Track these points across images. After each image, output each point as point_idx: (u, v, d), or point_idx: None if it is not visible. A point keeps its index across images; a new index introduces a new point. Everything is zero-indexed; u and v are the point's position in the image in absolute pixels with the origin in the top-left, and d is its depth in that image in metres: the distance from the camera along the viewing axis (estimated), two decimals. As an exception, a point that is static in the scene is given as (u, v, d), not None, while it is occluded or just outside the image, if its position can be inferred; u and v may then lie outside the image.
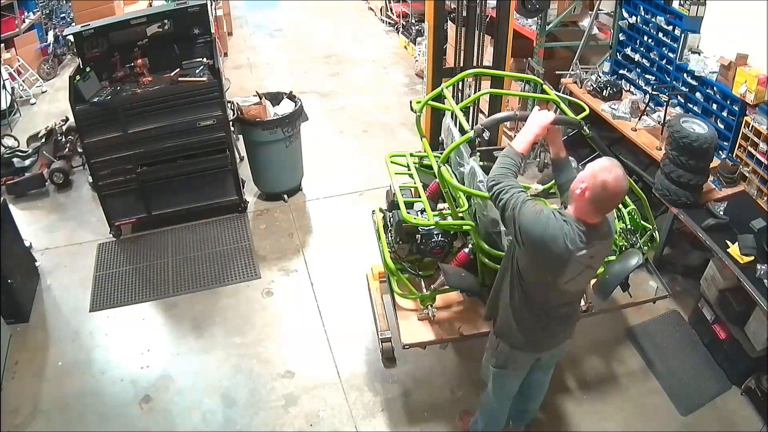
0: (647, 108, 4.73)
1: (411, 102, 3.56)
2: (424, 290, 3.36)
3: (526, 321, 2.57)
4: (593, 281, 3.16)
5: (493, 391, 2.92)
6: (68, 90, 4.41)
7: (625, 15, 5.27)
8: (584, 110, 3.31)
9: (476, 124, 3.82)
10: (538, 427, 3.41)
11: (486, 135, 3.38)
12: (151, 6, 6.43)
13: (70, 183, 5.74)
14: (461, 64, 4.62)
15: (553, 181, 3.58)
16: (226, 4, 9.21)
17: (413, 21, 8.71)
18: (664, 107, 4.53)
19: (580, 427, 3.46)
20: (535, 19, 5.39)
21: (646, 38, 5.08)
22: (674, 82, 4.76)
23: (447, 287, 3.25)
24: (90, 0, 6.95)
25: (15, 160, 5.74)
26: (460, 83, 4.65)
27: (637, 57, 5.22)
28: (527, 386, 2.98)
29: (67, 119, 6.04)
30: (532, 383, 2.98)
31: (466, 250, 3.20)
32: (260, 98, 5.16)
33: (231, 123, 4.90)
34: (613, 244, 2.47)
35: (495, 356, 2.76)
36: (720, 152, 4.36)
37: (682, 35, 4.57)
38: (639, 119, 4.68)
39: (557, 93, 3.99)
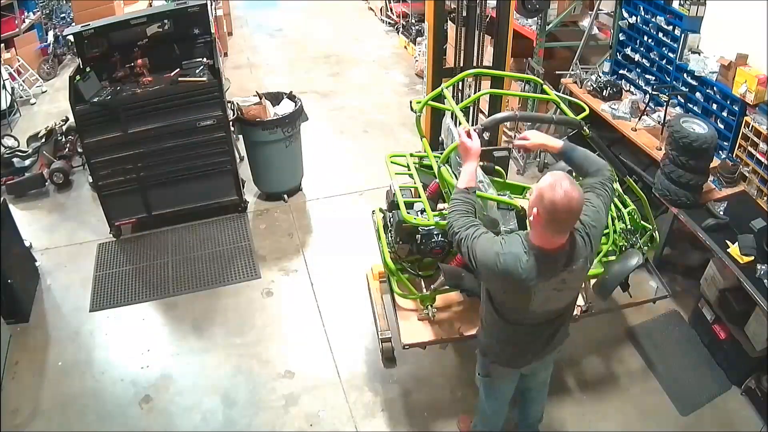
0: (647, 108, 4.73)
1: (411, 102, 3.56)
2: (424, 290, 3.37)
3: (502, 339, 2.53)
4: (593, 281, 3.17)
5: (485, 398, 2.90)
6: (68, 90, 4.41)
7: (625, 15, 5.27)
8: (584, 110, 3.31)
9: (476, 124, 3.82)
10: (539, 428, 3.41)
11: (486, 135, 3.38)
12: (151, 6, 6.43)
13: (70, 183, 5.74)
14: (461, 64, 4.62)
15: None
16: (226, 4, 9.20)
17: (413, 21, 8.71)
18: (664, 107, 4.53)
19: (581, 427, 3.46)
20: (535, 19, 5.39)
21: (646, 38, 5.08)
22: (674, 82, 4.76)
23: (447, 287, 3.25)
24: (90, 0, 6.95)
25: (15, 160, 5.74)
26: (460, 83, 4.65)
27: (637, 57, 5.22)
28: (523, 394, 2.96)
29: (67, 119, 6.04)
30: (526, 391, 2.96)
31: (466, 250, 3.19)
32: (260, 98, 5.16)
33: (231, 123, 4.90)
34: (591, 260, 2.31)
35: (480, 366, 2.77)
36: (720, 152, 4.36)
37: (682, 35, 4.57)
38: (639, 119, 4.68)
39: (557, 93, 4.00)
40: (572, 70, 5.46)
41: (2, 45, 7.23)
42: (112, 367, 3.92)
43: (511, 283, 2.18)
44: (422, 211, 3.24)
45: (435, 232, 3.14)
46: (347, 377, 3.79)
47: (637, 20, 5.13)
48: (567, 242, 2.15)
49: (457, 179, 3.11)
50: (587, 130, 3.12)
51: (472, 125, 2.97)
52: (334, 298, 4.37)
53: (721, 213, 3.84)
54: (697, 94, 4.60)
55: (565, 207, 2.00)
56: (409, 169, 3.66)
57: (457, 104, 3.37)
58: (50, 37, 8.22)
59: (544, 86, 3.68)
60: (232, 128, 4.97)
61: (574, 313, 3.03)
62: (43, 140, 5.89)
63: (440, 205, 3.57)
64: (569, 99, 4.26)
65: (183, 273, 4.66)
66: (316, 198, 5.54)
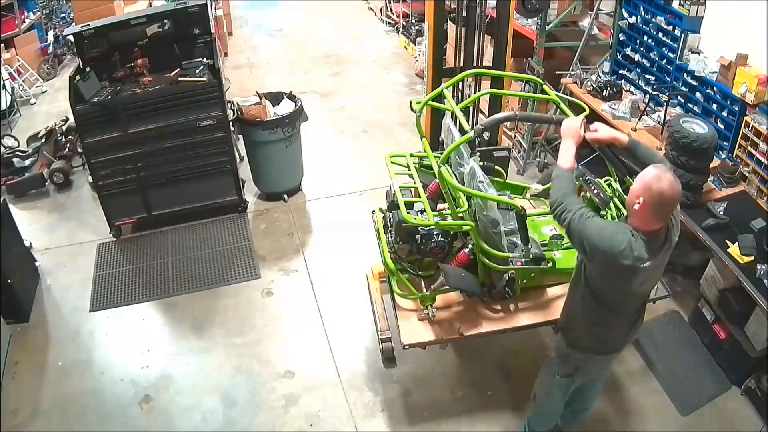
0: (647, 108, 4.73)
1: (411, 102, 3.56)
2: (424, 290, 3.36)
3: (603, 326, 2.60)
4: None
5: (553, 399, 2.97)
6: (68, 90, 4.41)
7: (625, 15, 5.27)
8: (584, 110, 3.31)
9: (476, 124, 3.82)
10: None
11: (486, 135, 3.38)
12: (151, 6, 6.43)
13: (70, 183, 5.74)
14: (461, 64, 4.62)
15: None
16: (226, 4, 9.21)
17: (413, 21, 8.71)
18: (664, 107, 4.53)
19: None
20: (535, 19, 5.39)
21: (646, 38, 5.08)
22: (674, 82, 4.76)
23: (447, 287, 3.25)
24: (90, 0, 6.95)
25: (15, 160, 5.74)
26: (460, 83, 4.65)
27: (637, 57, 5.22)
28: (585, 388, 3.03)
29: (67, 119, 6.05)
30: (590, 384, 3.03)
31: (466, 250, 3.20)
32: (260, 98, 5.16)
33: (231, 123, 4.90)
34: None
35: (563, 366, 2.81)
36: (720, 152, 4.36)
37: (682, 35, 4.57)
38: (639, 119, 4.68)
39: (557, 93, 3.99)
40: (572, 70, 5.45)
41: (2, 45, 7.23)
42: (112, 367, 3.92)
43: (621, 264, 2.26)
44: (422, 211, 3.23)
45: (435, 232, 3.14)
46: (347, 377, 3.79)
47: (637, 20, 5.13)
48: (664, 225, 2.33)
49: (456, 179, 3.12)
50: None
51: (472, 125, 2.96)
52: (334, 298, 4.37)
53: (721, 213, 3.84)
54: (697, 94, 4.60)
55: (671, 195, 2.20)
56: (409, 169, 3.66)
57: (457, 104, 3.37)
58: (50, 37, 8.23)
59: (544, 86, 3.67)
60: (232, 128, 4.97)
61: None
62: (43, 140, 5.89)
63: (440, 205, 3.57)
64: (569, 99, 4.25)
65: (183, 273, 4.66)
66: (316, 198, 5.54)
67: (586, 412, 3.29)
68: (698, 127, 3.87)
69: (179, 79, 4.66)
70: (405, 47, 8.68)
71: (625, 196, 3.41)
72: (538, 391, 3.07)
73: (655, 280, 2.54)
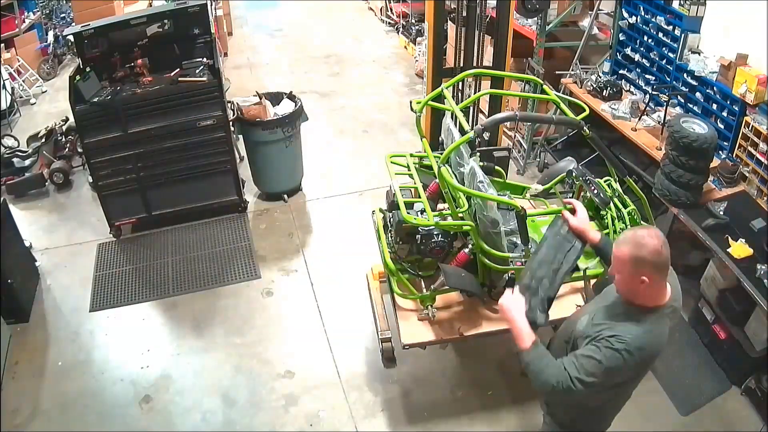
0: (647, 108, 4.73)
1: (411, 102, 3.56)
2: (424, 290, 3.36)
3: (614, 407, 2.37)
4: (593, 281, 3.17)
5: None
6: (68, 90, 4.41)
7: (625, 15, 5.27)
8: (584, 110, 3.31)
9: (476, 124, 3.82)
10: (535, 426, 3.41)
11: (486, 135, 3.38)
12: (151, 6, 6.43)
13: (70, 183, 5.74)
14: (461, 64, 4.63)
15: (552, 181, 3.60)
16: (226, 4, 9.21)
17: (413, 21, 8.71)
18: (664, 107, 4.53)
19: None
20: (535, 19, 5.39)
21: (646, 38, 5.08)
22: (674, 82, 4.76)
23: (447, 287, 3.25)
24: (90, 0, 6.95)
25: (15, 160, 5.74)
26: (460, 83, 4.65)
27: (637, 57, 5.22)
28: None
29: (67, 119, 6.04)
30: None
31: (466, 250, 3.20)
32: (260, 98, 5.16)
33: (231, 123, 4.90)
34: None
35: None
36: (720, 152, 4.36)
37: (682, 35, 4.57)
38: (639, 119, 4.68)
39: (557, 93, 4.00)
40: (572, 70, 5.46)
41: (2, 45, 7.23)
42: (112, 367, 3.92)
43: (647, 365, 2.09)
44: (422, 211, 3.24)
45: (435, 232, 3.14)
46: (347, 377, 3.79)
47: (637, 20, 5.13)
48: (668, 294, 2.11)
49: (456, 179, 3.12)
50: (587, 131, 3.12)
51: (472, 126, 2.96)
52: (334, 298, 4.37)
53: (721, 213, 3.84)
54: (697, 94, 4.60)
55: (663, 248, 1.98)
56: (409, 170, 3.66)
57: (457, 104, 3.37)
58: (50, 37, 8.23)
59: (544, 86, 3.68)
60: (232, 128, 4.97)
61: (574, 311, 3.03)
62: (43, 140, 5.89)
63: (440, 205, 3.57)
64: (569, 99, 4.26)
65: (183, 273, 4.66)
66: (316, 198, 5.54)
67: None
68: (698, 127, 3.87)
69: (179, 79, 4.66)
70: (405, 47, 8.68)
71: (625, 197, 3.42)
72: None
73: None
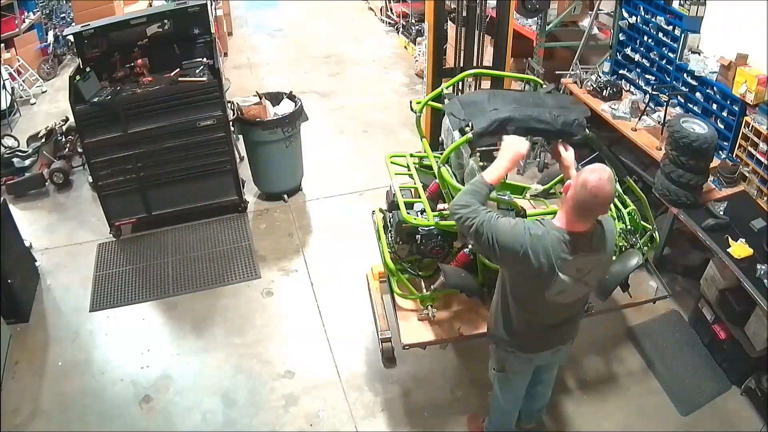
0: (647, 108, 4.73)
1: (411, 102, 3.56)
2: (424, 290, 3.36)
3: (518, 327, 2.57)
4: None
5: (500, 394, 2.95)
6: (68, 90, 4.41)
7: (625, 15, 5.27)
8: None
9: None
10: (539, 427, 3.41)
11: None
12: (151, 6, 6.43)
13: (70, 183, 5.74)
14: (461, 64, 4.63)
15: (553, 181, 3.61)
16: (226, 4, 9.21)
17: (413, 21, 8.71)
18: (664, 107, 4.53)
19: (581, 427, 3.46)
20: (535, 19, 5.39)
21: (646, 38, 5.08)
22: (674, 82, 4.76)
23: (447, 287, 3.25)
24: (90, 0, 6.95)
25: (15, 160, 5.74)
26: (460, 83, 4.65)
27: (637, 57, 5.22)
28: (530, 388, 2.99)
29: (67, 119, 6.04)
30: (534, 386, 2.99)
31: (466, 250, 3.20)
32: (260, 98, 5.16)
33: (231, 123, 4.90)
34: (608, 261, 2.45)
35: (494, 361, 2.82)
36: (720, 152, 4.36)
37: (682, 35, 4.57)
38: (639, 119, 4.68)
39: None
40: (572, 70, 5.46)
41: (2, 45, 7.23)
42: (112, 367, 3.92)
43: (532, 262, 2.23)
44: (422, 212, 3.24)
45: (435, 233, 3.14)
46: (347, 377, 3.79)
47: (637, 20, 5.14)
48: (589, 230, 2.27)
49: (456, 180, 3.13)
50: (587, 131, 3.11)
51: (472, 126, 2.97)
52: (334, 298, 4.37)
53: (721, 213, 3.84)
54: (697, 94, 4.60)
55: (592, 189, 2.12)
56: (409, 170, 3.66)
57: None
58: (50, 37, 8.22)
59: (544, 86, 3.67)
60: (232, 128, 4.97)
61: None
62: (43, 140, 5.89)
63: (440, 206, 3.57)
64: (569, 99, 4.26)
65: (183, 273, 4.66)
66: (316, 198, 5.54)
67: (535, 415, 3.27)
68: (698, 127, 3.86)
69: (179, 79, 4.66)
70: (405, 47, 8.68)
71: (624, 197, 3.44)
72: (492, 382, 3.02)
73: (578, 294, 2.42)
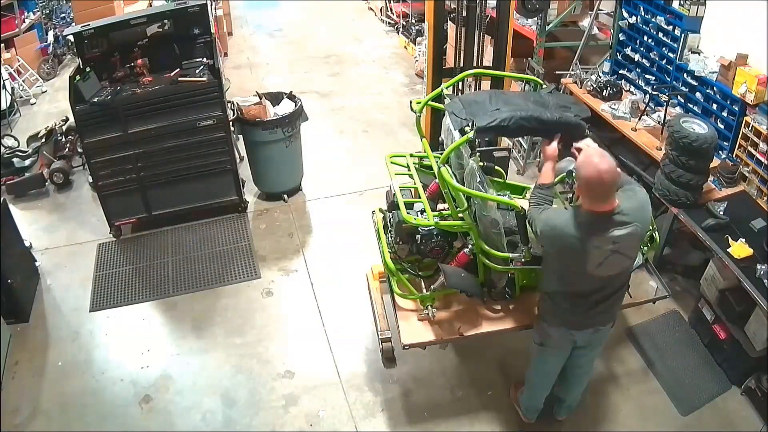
0: (647, 108, 4.73)
1: (411, 102, 3.56)
2: (424, 290, 3.36)
3: (561, 302, 2.78)
4: None
5: (534, 367, 3.15)
6: (68, 90, 4.41)
7: (625, 15, 5.27)
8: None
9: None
10: (539, 427, 3.41)
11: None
12: (151, 6, 6.43)
13: (70, 183, 5.74)
14: (461, 64, 4.63)
15: (553, 181, 3.60)
16: (226, 4, 9.21)
17: (413, 21, 8.71)
18: (664, 107, 4.53)
19: (581, 426, 3.46)
20: (535, 19, 5.39)
21: (646, 38, 5.08)
22: (674, 82, 4.76)
23: (447, 287, 3.25)
24: (90, 0, 6.95)
25: (15, 160, 5.74)
26: (460, 83, 4.65)
27: (637, 57, 5.22)
28: (566, 372, 3.12)
29: (67, 119, 6.05)
30: (571, 369, 3.11)
31: (466, 250, 3.20)
32: (260, 98, 5.16)
33: (231, 123, 4.90)
34: (643, 230, 2.62)
35: (536, 333, 3.03)
36: (720, 152, 4.36)
37: (682, 35, 4.57)
38: (639, 119, 4.68)
39: (557, 93, 3.99)
40: (572, 70, 5.46)
41: (2, 45, 7.23)
42: (112, 367, 3.92)
43: (565, 241, 2.50)
44: (422, 212, 3.24)
45: (435, 233, 3.14)
46: (347, 377, 3.79)
47: (637, 20, 5.14)
48: (614, 207, 2.46)
49: (456, 180, 3.13)
50: (587, 131, 3.11)
51: (472, 126, 2.97)
52: (334, 298, 4.37)
53: (721, 213, 3.84)
54: (697, 94, 4.60)
55: (596, 180, 2.37)
56: (409, 170, 3.66)
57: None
58: (50, 37, 8.23)
59: (544, 86, 3.68)
60: (232, 128, 4.97)
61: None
62: (43, 140, 5.89)
63: (440, 206, 3.57)
64: (569, 99, 4.26)
65: (183, 273, 4.66)
66: (316, 198, 5.54)
67: (568, 402, 3.35)
68: (698, 127, 3.86)
69: (179, 79, 4.66)
70: (405, 47, 8.68)
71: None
72: (532, 356, 3.18)
73: (617, 266, 2.58)
